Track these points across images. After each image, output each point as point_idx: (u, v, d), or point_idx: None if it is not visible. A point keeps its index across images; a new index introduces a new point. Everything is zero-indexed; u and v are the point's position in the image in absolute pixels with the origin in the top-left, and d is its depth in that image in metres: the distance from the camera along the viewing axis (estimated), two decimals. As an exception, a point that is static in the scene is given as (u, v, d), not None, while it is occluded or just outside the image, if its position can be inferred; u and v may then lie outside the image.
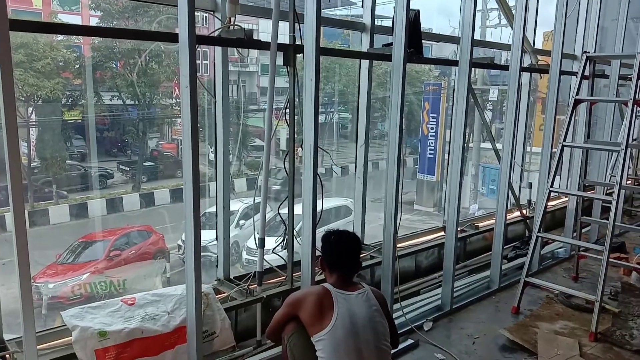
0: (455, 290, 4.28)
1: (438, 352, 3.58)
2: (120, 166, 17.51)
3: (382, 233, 3.75)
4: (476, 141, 14.66)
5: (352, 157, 4.34)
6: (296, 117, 3.34)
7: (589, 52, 4.29)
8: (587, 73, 4.34)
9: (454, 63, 3.98)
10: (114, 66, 16.19)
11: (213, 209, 3.60)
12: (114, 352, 2.65)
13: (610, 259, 3.95)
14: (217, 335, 3.10)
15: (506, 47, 4.45)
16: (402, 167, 3.70)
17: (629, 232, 5.83)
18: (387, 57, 3.55)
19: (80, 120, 16.91)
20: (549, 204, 6.44)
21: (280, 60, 3.21)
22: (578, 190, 4.84)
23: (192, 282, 2.60)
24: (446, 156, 17.67)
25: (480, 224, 5.29)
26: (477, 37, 3.99)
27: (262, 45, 3.11)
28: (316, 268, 3.16)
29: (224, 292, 3.41)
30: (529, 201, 5.74)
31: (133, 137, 17.19)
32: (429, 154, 17.03)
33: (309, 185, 3.08)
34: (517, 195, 5.67)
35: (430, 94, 17.36)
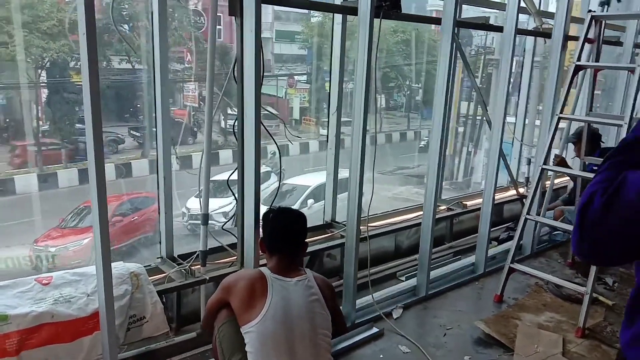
0: (434, 274, 3.92)
1: (403, 344, 3.23)
2: (132, 131, 17.39)
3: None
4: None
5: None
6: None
7: (594, 11, 3.76)
8: (592, 37, 3.81)
9: (437, 21, 3.51)
10: (123, 29, 15.84)
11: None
12: (16, 338, 2.34)
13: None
14: (147, 320, 2.78)
15: (502, 7, 3.96)
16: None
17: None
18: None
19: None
20: (558, 181, 5.99)
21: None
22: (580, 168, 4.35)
23: (100, 260, 2.27)
24: (460, 129, 17.10)
25: (469, 202, 4.86)
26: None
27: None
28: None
29: (165, 273, 3.09)
30: (527, 179, 5.28)
31: (143, 102, 17.01)
32: (443, 126, 16.44)
33: (251, 155, 2.70)
34: (515, 172, 5.22)
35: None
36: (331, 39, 3.73)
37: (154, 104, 3.05)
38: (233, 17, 2.83)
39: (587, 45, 3.93)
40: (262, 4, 2.56)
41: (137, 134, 17.35)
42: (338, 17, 3.63)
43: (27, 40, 13.84)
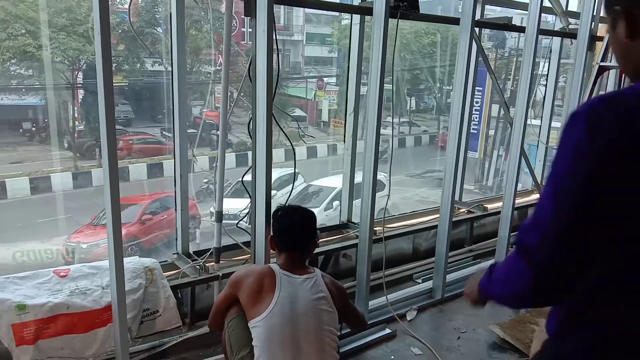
0: (452, 277, 3.89)
1: (415, 346, 3.21)
2: (164, 132, 17.72)
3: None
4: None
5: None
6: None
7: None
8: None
9: (456, 21, 3.48)
10: (156, 31, 16.17)
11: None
12: (33, 327, 2.44)
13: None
14: (159, 314, 2.86)
15: (524, 7, 3.90)
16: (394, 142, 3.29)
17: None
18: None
19: (126, 87, 17.17)
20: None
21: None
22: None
23: (112, 254, 2.33)
24: (490, 132, 16.70)
25: (491, 205, 4.78)
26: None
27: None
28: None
29: (180, 268, 3.16)
30: (552, 182, 5.16)
31: (174, 104, 17.35)
32: (473, 129, 16.18)
33: (262, 154, 2.73)
34: (540, 175, 5.11)
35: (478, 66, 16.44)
36: (349, 39, 3.74)
37: (172, 104, 3.11)
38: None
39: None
40: (274, 4, 2.58)
41: (169, 134, 17.60)
42: (356, 18, 3.64)
43: (65, 43, 14.29)
